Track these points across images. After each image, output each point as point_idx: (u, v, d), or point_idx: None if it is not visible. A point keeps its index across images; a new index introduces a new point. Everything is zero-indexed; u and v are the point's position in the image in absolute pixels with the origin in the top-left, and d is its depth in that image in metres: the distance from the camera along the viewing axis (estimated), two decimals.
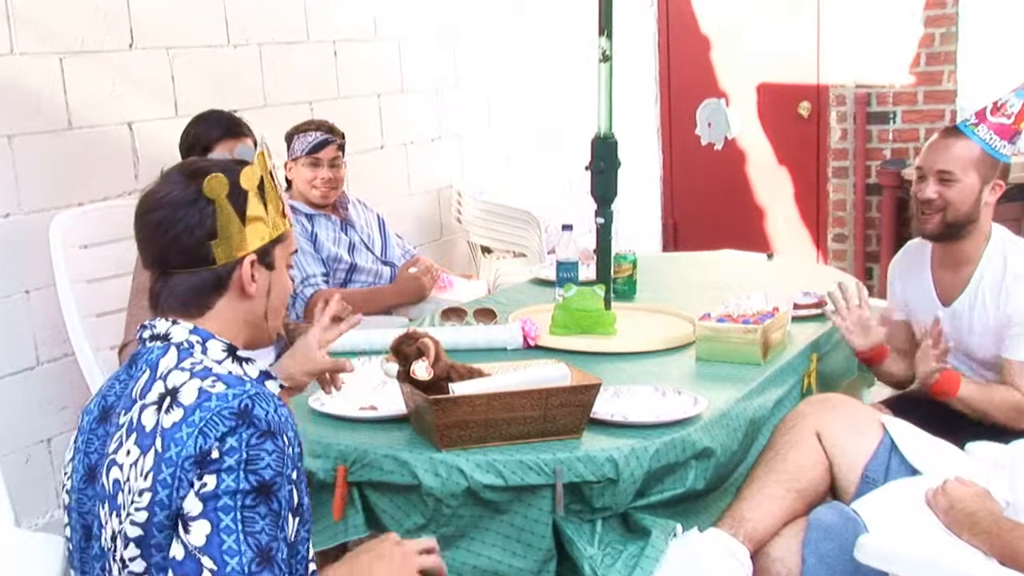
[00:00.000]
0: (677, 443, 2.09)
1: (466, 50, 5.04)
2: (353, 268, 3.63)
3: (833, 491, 2.39)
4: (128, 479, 1.44)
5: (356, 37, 4.39)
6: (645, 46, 6.33)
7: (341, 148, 3.64)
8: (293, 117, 3.78)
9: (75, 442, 1.60)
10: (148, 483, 1.41)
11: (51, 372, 3.26)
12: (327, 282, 3.55)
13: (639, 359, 2.63)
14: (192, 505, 1.39)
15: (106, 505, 1.47)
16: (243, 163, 1.62)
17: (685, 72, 6.31)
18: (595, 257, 3.03)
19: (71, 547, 1.60)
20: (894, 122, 5.60)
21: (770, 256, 3.88)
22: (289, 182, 3.66)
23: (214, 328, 1.57)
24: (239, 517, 1.39)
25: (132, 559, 1.42)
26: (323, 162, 3.57)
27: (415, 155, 4.79)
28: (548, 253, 4.35)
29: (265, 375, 1.59)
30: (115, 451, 1.48)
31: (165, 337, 1.55)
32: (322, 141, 3.58)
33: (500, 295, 3.50)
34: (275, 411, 1.46)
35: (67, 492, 1.60)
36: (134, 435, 1.46)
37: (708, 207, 6.39)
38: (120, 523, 1.43)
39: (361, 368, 2.02)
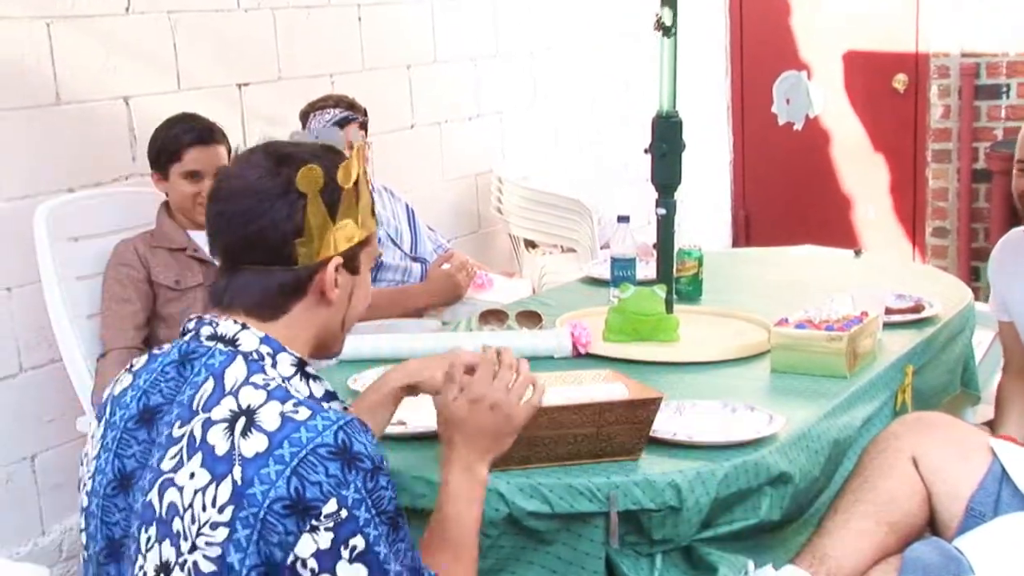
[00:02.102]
0: (749, 467, 2.09)
1: (508, 15, 5.05)
2: (379, 265, 3.66)
3: (932, 525, 2.38)
4: (191, 505, 1.44)
5: (383, 0, 4.41)
6: (714, 11, 6.32)
7: (364, 127, 3.67)
8: (311, 91, 3.81)
9: (101, 438, 1.61)
10: (225, 518, 1.42)
11: (35, 380, 3.31)
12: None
13: (705, 370, 2.63)
14: (339, 564, 1.44)
15: (153, 528, 1.48)
16: (337, 153, 1.67)
17: (760, 41, 6.29)
18: (655, 253, 3.03)
19: (86, 555, 1.62)
20: (1008, 97, 5.54)
21: (858, 253, 3.86)
22: None
23: (284, 336, 1.60)
24: (391, 554, 1.48)
25: None
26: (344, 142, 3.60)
27: (450, 135, 4.81)
28: (601, 248, 4.36)
29: (330, 395, 1.63)
30: (173, 469, 1.48)
31: (232, 342, 1.57)
32: (342, 119, 3.61)
33: (546, 296, 3.51)
34: (367, 438, 1.49)
35: (87, 494, 1.61)
36: (199, 455, 1.46)
37: (785, 196, 6.36)
38: (181, 554, 1.44)
39: None
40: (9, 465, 3.27)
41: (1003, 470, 2.35)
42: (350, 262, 1.66)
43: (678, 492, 2.00)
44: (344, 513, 1.43)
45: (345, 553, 1.43)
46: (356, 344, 2.76)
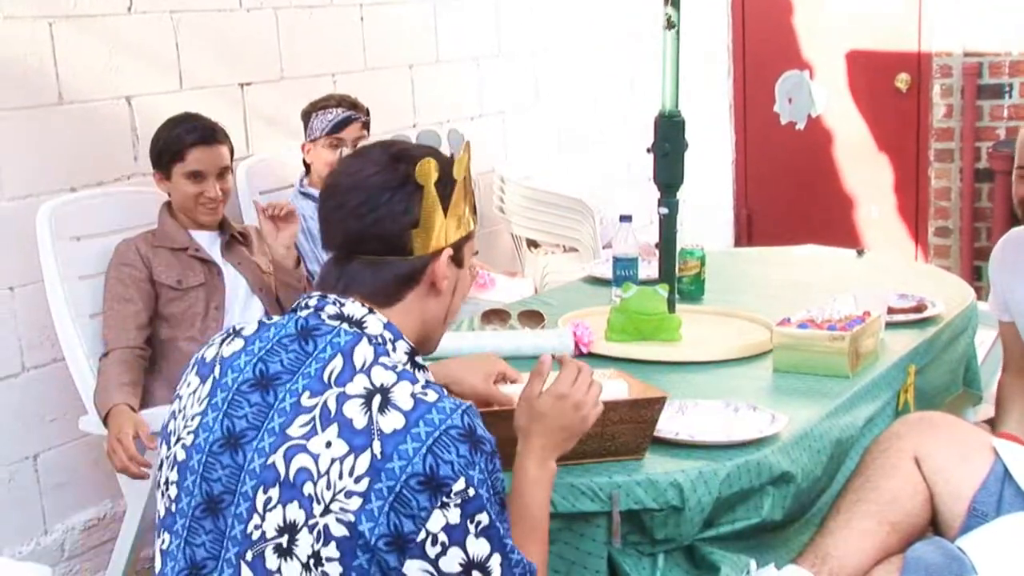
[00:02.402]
0: (751, 466, 2.09)
1: (510, 14, 5.05)
2: None
3: (934, 525, 2.38)
4: (327, 473, 1.51)
5: (385, 0, 4.41)
6: (716, 10, 6.31)
7: (366, 126, 3.68)
8: (313, 91, 3.81)
9: (209, 396, 1.66)
10: (361, 487, 1.49)
11: (37, 379, 3.31)
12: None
13: (708, 370, 2.63)
14: (468, 538, 1.52)
15: (275, 490, 1.54)
16: (441, 151, 1.76)
17: (762, 40, 6.28)
18: (657, 252, 3.04)
19: (174, 508, 1.64)
20: (1010, 96, 5.54)
21: (860, 252, 3.86)
22: (307, 166, 3.70)
23: (399, 323, 1.67)
24: (505, 532, 1.57)
25: (330, 560, 1.50)
26: (346, 142, 3.61)
27: None
28: (604, 248, 4.36)
29: (430, 384, 1.66)
30: (304, 436, 1.54)
31: (359, 324, 1.64)
32: (344, 119, 3.61)
33: (548, 295, 3.51)
34: (483, 423, 1.58)
35: (184, 448, 1.65)
36: (335, 426, 1.54)
37: (788, 196, 6.36)
38: (312, 516, 1.50)
39: None
40: (11, 464, 3.27)
41: (1006, 470, 2.35)
42: (457, 254, 1.74)
43: (680, 491, 2.00)
44: (471, 491, 1.51)
45: (472, 528, 1.51)
46: None
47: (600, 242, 4.49)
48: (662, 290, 2.83)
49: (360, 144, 3.63)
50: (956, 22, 5.62)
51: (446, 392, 1.60)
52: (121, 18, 3.47)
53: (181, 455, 1.65)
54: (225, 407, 1.63)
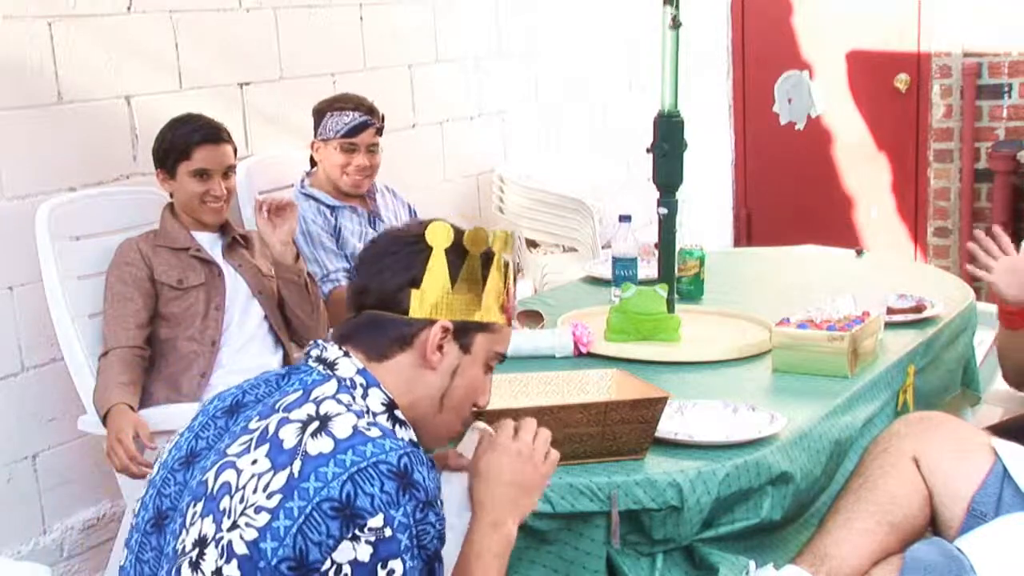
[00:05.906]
0: (750, 466, 2.09)
1: (510, 14, 5.05)
2: None
3: (933, 525, 2.38)
4: (243, 487, 1.47)
5: (385, 0, 4.42)
6: (716, 9, 6.31)
7: (379, 132, 3.65)
8: (312, 91, 3.81)
9: (192, 421, 1.67)
10: (271, 504, 1.44)
11: (37, 379, 3.31)
12: (350, 279, 3.59)
13: (707, 370, 2.64)
14: None
15: (200, 504, 1.50)
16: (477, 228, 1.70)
17: (762, 40, 6.28)
18: (657, 252, 3.04)
19: (134, 523, 1.65)
20: (1010, 96, 5.54)
21: (860, 253, 3.86)
22: (313, 163, 3.69)
23: (381, 378, 1.63)
24: None
25: None
26: (360, 148, 3.59)
27: (451, 135, 4.81)
28: (603, 248, 4.36)
29: (414, 444, 1.61)
30: (238, 454, 1.52)
31: (331, 365, 1.62)
32: (361, 124, 3.58)
33: (548, 295, 3.52)
34: (429, 475, 1.51)
35: (160, 465, 1.66)
36: (267, 446, 1.50)
37: (787, 196, 6.36)
38: (219, 531, 1.46)
39: None
40: (11, 464, 3.27)
41: (1005, 470, 2.35)
42: (462, 336, 1.67)
43: (679, 492, 2.00)
44: (388, 532, 1.44)
45: (382, 573, 1.44)
46: None
47: (599, 242, 4.49)
48: (661, 290, 2.83)
49: (372, 149, 3.62)
50: (955, 22, 5.62)
51: (398, 436, 1.56)
52: (121, 18, 3.47)
53: (153, 472, 1.65)
54: (198, 429, 1.64)
